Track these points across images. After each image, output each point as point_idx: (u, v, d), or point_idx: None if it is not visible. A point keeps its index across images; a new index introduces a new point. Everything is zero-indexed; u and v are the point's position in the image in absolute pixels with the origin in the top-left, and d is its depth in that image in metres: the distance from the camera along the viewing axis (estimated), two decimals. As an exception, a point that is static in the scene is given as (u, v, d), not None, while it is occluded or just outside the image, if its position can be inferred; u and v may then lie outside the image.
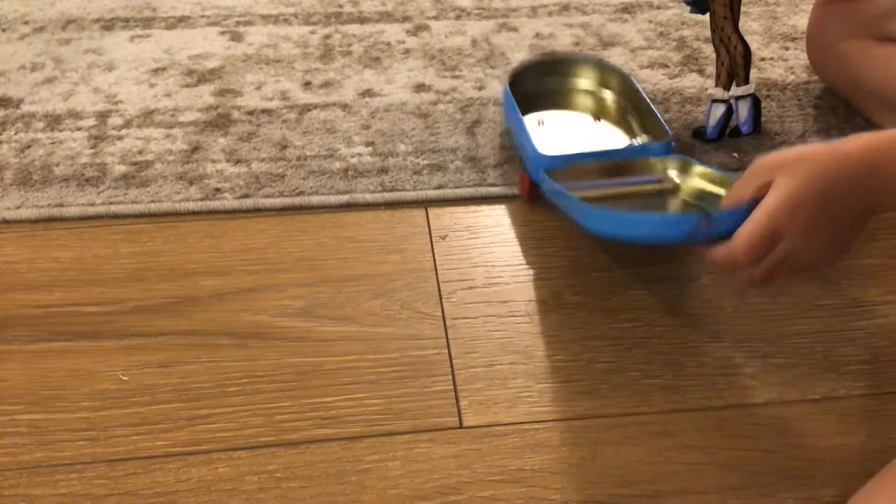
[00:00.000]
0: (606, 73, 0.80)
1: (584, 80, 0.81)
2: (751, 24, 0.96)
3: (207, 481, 0.54)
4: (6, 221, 0.72)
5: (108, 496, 0.53)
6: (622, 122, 0.78)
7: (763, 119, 0.82)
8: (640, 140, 0.75)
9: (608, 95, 0.80)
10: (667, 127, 0.72)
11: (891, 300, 0.67)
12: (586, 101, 0.80)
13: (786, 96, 0.86)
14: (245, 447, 0.56)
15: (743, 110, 0.79)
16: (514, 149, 0.77)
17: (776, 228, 0.54)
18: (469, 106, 0.84)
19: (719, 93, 0.79)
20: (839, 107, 0.84)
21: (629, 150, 0.73)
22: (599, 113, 0.79)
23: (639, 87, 0.77)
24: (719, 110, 0.79)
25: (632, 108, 0.78)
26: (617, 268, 0.69)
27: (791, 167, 0.54)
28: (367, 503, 0.53)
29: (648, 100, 0.76)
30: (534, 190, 0.72)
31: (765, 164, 0.56)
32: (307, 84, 0.87)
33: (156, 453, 0.55)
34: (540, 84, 0.80)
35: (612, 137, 0.77)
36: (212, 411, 0.58)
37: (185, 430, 0.57)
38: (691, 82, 0.87)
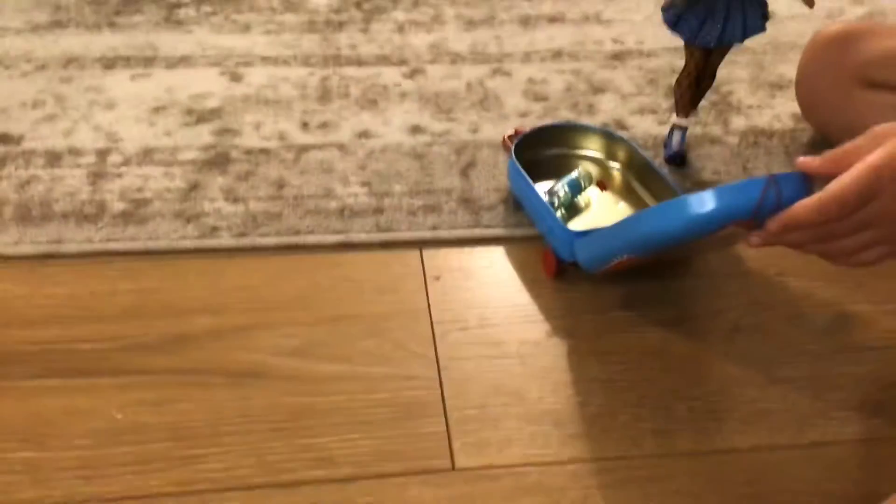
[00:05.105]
0: (612, 143, 0.81)
1: (590, 150, 0.82)
2: (738, 72, 0.98)
3: (199, 522, 0.54)
4: (4, 257, 0.72)
5: (100, 536, 0.53)
6: (628, 191, 0.79)
7: (750, 166, 0.84)
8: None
9: (614, 165, 0.81)
10: (678, 191, 0.72)
11: (877, 346, 0.68)
12: (592, 170, 0.80)
13: (773, 143, 0.88)
14: (238, 488, 0.56)
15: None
16: (533, 223, 0.75)
17: (873, 187, 0.51)
18: (464, 148, 0.86)
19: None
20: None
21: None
22: (605, 182, 0.79)
23: (645, 154, 0.78)
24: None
25: (638, 175, 0.79)
26: (608, 310, 0.70)
27: None
28: (359, 545, 0.53)
29: (657, 168, 0.76)
30: (560, 267, 0.71)
31: (884, 128, 0.54)
32: (305, 125, 0.88)
33: (149, 493, 0.55)
34: (544, 152, 0.80)
35: (617, 207, 0.77)
36: (205, 451, 0.58)
37: (178, 470, 0.57)
38: (681, 128, 0.89)
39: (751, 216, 0.57)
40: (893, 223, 0.54)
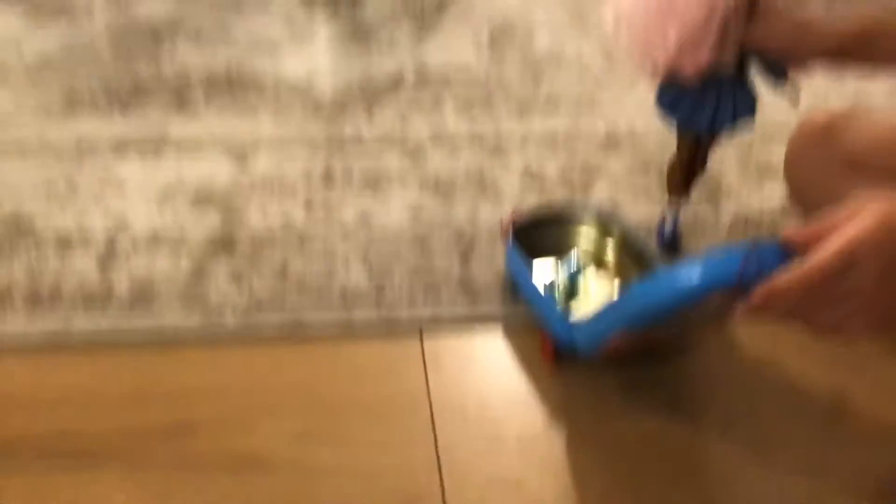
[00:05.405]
0: (606, 223, 0.83)
1: (585, 230, 0.84)
2: (727, 156, 1.01)
3: None
4: (13, 340, 0.73)
5: None
6: (623, 270, 0.81)
7: (742, 250, 0.86)
8: None
9: (608, 245, 0.83)
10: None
11: (873, 433, 0.68)
12: (588, 249, 0.82)
13: (763, 225, 0.90)
14: (238, 580, 0.56)
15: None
16: (529, 308, 0.76)
17: (854, 255, 0.52)
18: (463, 232, 0.88)
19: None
20: (815, 238, 0.88)
21: None
22: (601, 262, 0.81)
23: (638, 235, 0.80)
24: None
25: (631, 255, 0.81)
26: (606, 396, 0.71)
27: (891, 197, 0.52)
28: None
29: (650, 248, 0.78)
30: (558, 353, 0.73)
31: (861, 199, 0.55)
32: (309, 208, 0.91)
33: (149, 585, 0.55)
34: (541, 232, 0.82)
35: (613, 285, 0.79)
36: (206, 541, 0.58)
37: (180, 561, 0.57)
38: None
39: (734, 286, 0.58)
40: (874, 291, 0.55)
